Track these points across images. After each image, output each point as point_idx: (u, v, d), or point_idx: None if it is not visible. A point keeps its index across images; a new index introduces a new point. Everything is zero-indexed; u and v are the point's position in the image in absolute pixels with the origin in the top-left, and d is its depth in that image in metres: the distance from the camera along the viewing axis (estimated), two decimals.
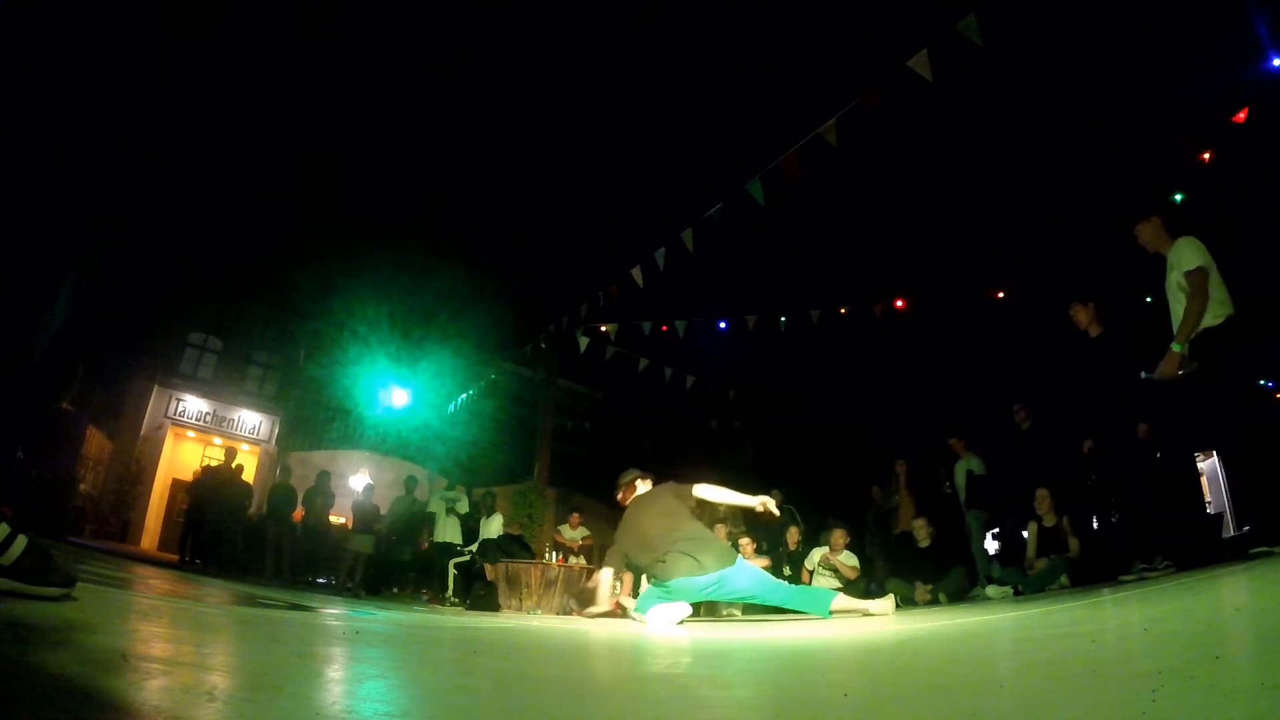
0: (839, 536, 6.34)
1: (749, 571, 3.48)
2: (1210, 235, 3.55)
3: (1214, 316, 3.37)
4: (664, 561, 3.51)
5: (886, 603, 3.33)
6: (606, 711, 1.10)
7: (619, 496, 4.10)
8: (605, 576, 3.98)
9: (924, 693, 1.20)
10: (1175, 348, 3.33)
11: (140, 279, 12.92)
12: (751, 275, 11.74)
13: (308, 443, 16.51)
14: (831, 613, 3.31)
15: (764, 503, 3.71)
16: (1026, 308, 9.19)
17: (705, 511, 7.30)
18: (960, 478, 6.63)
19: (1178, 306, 3.48)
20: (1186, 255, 3.46)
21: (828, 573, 6.25)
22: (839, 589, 6.18)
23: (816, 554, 6.47)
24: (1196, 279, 3.37)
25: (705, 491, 3.78)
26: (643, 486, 4.05)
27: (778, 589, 3.49)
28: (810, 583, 6.34)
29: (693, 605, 3.55)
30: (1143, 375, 3.45)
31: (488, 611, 5.87)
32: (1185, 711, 0.79)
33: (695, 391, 12.10)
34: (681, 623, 3.35)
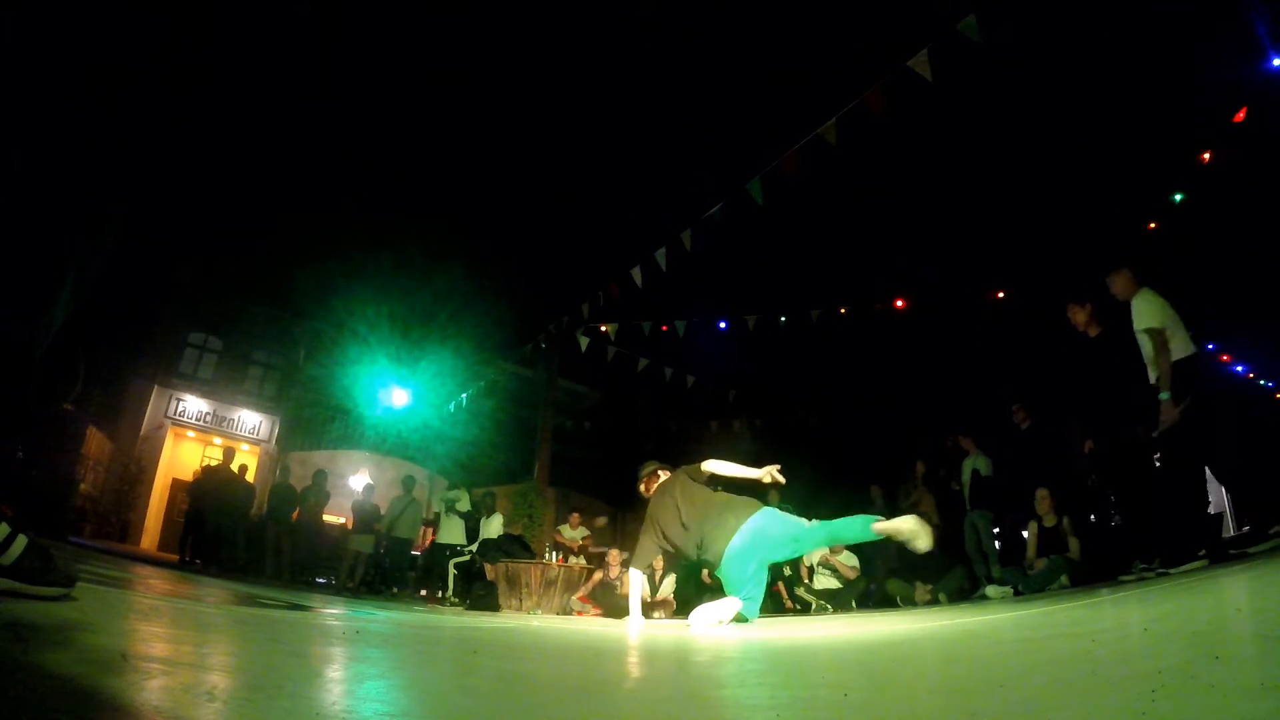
0: None
1: (780, 517, 3.46)
2: (1177, 280, 3.88)
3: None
4: (703, 545, 3.48)
5: (918, 526, 3.17)
6: (606, 711, 1.10)
7: (641, 489, 4.08)
8: (635, 579, 3.93)
9: (924, 693, 1.20)
10: (1164, 397, 3.65)
11: (140, 279, 12.92)
12: (751, 275, 11.74)
13: (308, 443, 16.50)
14: (874, 531, 3.21)
15: (769, 472, 3.67)
16: (1027, 308, 9.19)
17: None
18: (966, 476, 6.62)
19: (1143, 350, 3.86)
20: (1144, 314, 3.80)
21: (827, 572, 6.26)
22: (839, 589, 6.19)
23: (816, 553, 6.47)
24: (1156, 338, 3.71)
25: (714, 466, 3.81)
26: (664, 476, 4.03)
27: (817, 529, 3.41)
28: (809, 580, 6.34)
29: (762, 590, 3.47)
30: (1154, 435, 3.73)
31: (488, 611, 5.87)
32: (1185, 711, 0.79)
33: (695, 391, 12.10)
34: (735, 620, 3.27)
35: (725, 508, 3.51)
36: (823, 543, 3.45)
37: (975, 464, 6.57)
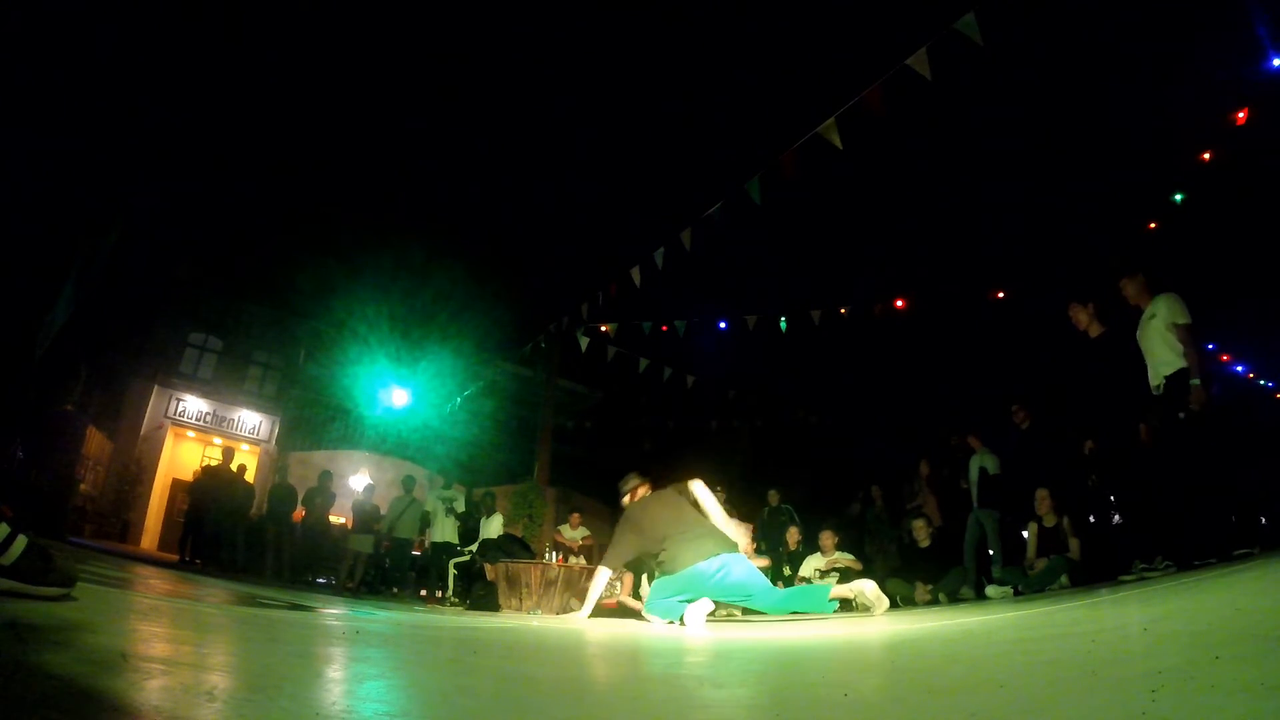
0: (826, 538, 6.36)
1: (748, 565, 3.57)
2: (1176, 280, 4.18)
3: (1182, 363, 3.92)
4: (668, 550, 3.61)
5: (879, 597, 3.31)
6: (606, 712, 1.10)
7: (624, 500, 4.16)
8: (602, 577, 3.99)
9: (924, 693, 1.20)
10: (1195, 383, 3.84)
11: (140, 279, 12.93)
12: (751, 275, 11.75)
13: (308, 443, 16.50)
14: (832, 599, 3.34)
15: (744, 534, 3.79)
16: (1027, 307, 9.19)
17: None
18: (973, 474, 6.57)
19: (1156, 346, 4.07)
20: (1177, 311, 4.03)
21: (831, 577, 6.25)
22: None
23: (810, 564, 6.46)
24: (1188, 332, 3.95)
25: (698, 489, 3.87)
26: (643, 491, 4.15)
27: (772, 592, 3.54)
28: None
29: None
30: (1181, 416, 3.87)
31: (488, 611, 5.87)
32: (1185, 711, 0.79)
33: (695, 391, 12.11)
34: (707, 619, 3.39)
35: (709, 534, 3.66)
36: (775, 608, 3.52)
37: (983, 462, 6.53)
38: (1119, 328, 4.61)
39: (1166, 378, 3.97)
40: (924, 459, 7.59)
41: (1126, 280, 4.36)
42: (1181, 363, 3.93)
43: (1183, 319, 4.02)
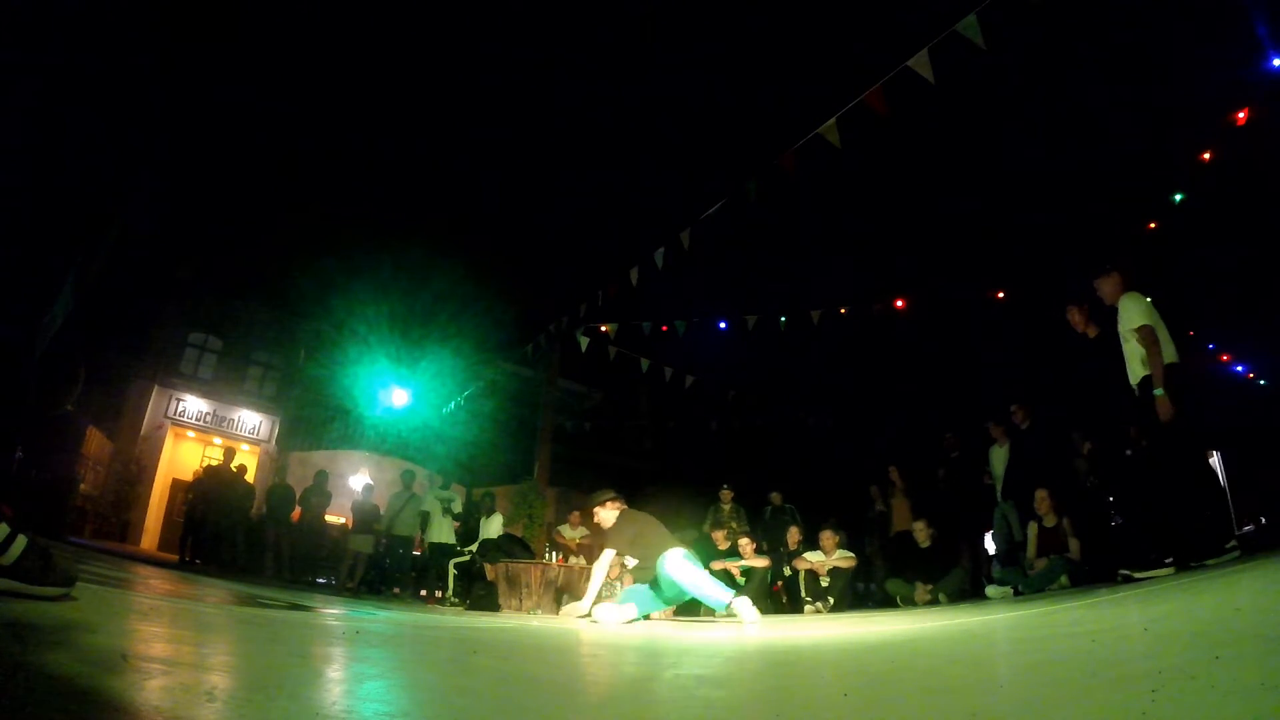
0: (827, 539, 6.38)
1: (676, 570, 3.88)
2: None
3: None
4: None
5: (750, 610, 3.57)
6: (606, 712, 1.10)
7: (603, 511, 4.43)
8: (606, 557, 4.17)
9: (924, 693, 1.20)
10: (1158, 393, 3.64)
11: (140, 279, 12.93)
12: (751, 274, 11.74)
13: (308, 443, 16.49)
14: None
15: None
16: (1026, 308, 9.20)
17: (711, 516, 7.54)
18: (999, 467, 6.50)
19: (1128, 349, 3.86)
20: (1132, 313, 3.81)
21: (827, 578, 6.26)
22: (829, 586, 6.20)
23: (810, 556, 6.45)
24: (1147, 334, 3.72)
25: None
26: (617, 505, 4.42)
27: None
28: (807, 578, 6.31)
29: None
30: (1155, 430, 3.69)
31: (488, 611, 5.87)
32: (1185, 711, 0.79)
33: (695, 391, 12.10)
34: (630, 622, 3.65)
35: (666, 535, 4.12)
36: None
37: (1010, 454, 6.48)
38: (1115, 329, 4.60)
39: (1138, 382, 3.77)
40: (892, 465, 7.58)
41: (1101, 279, 4.10)
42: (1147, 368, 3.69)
43: (1138, 320, 3.77)
